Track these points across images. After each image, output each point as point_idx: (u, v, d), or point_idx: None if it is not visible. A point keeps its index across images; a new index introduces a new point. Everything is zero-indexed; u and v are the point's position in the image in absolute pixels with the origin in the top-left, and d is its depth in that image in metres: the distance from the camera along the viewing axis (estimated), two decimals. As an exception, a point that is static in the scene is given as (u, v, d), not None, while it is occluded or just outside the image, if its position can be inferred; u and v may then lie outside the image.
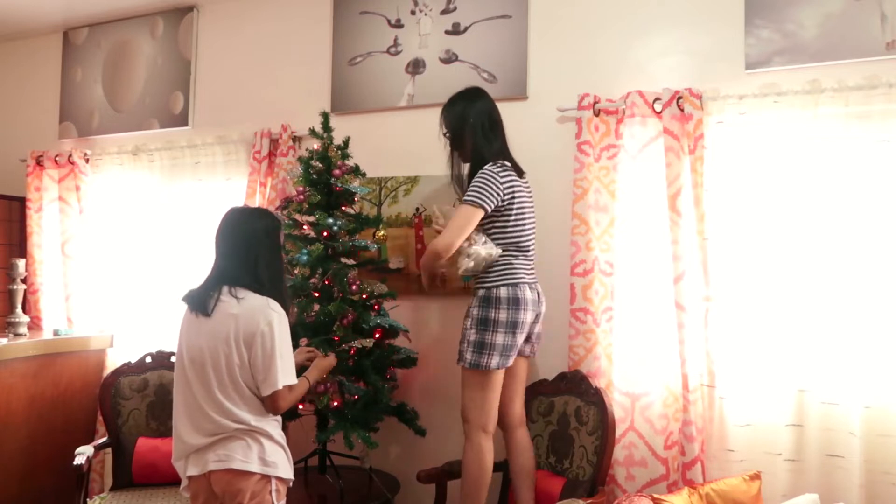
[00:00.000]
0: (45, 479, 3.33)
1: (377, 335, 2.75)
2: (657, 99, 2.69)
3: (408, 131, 3.22)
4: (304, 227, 2.74)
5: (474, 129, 2.51)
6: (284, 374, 2.07)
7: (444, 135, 2.61)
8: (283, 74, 3.51)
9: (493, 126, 2.55)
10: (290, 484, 2.17)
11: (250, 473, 2.04)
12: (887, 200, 2.41)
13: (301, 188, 2.78)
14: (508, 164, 2.49)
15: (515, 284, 2.43)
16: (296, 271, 2.75)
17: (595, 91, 2.80)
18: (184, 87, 3.75)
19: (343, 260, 2.77)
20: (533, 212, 2.57)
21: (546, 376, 2.82)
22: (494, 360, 2.40)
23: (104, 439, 3.12)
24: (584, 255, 2.74)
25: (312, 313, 2.66)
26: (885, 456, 2.35)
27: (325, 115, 2.90)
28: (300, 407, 2.71)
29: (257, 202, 3.38)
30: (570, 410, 2.68)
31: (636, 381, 2.71)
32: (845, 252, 2.43)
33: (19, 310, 3.51)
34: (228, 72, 3.66)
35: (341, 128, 3.10)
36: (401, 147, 3.21)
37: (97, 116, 3.98)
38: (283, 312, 2.11)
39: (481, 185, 2.39)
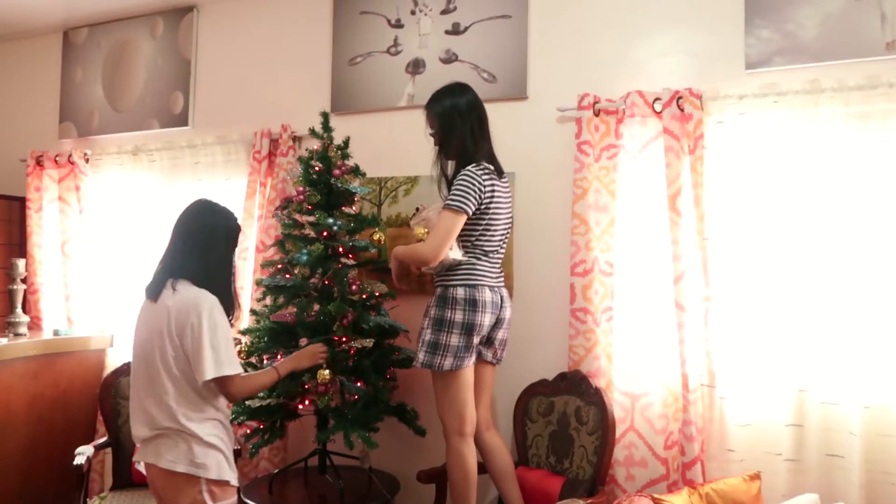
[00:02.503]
0: (45, 479, 3.33)
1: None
2: (657, 99, 2.69)
3: (408, 131, 3.21)
4: (305, 227, 2.74)
5: (464, 126, 2.48)
6: (218, 364, 2.03)
7: (431, 133, 2.58)
8: (283, 74, 3.51)
9: (482, 124, 2.53)
10: (233, 485, 2.13)
11: (177, 473, 2.04)
12: (887, 200, 2.41)
13: (301, 188, 2.78)
14: (490, 166, 2.47)
15: (474, 286, 2.42)
16: (296, 271, 2.75)
17: (595, 91, 2.80)
18: (184, 87, 3.75)
19: (343, 260, 2.77)
20: (509, 215, 2.56)
21: (546, 376, 2.82)
22: (448, 362, 2.39)
23: (104, 439, 3.12)
24: (584, 255, 2.74)
25: (312, 313, 2.66)
26: (885, 456, 2.35)
27: (325, 115, 2.90)
28: (300, 406, 2.71)
29: (257, 202, 3.38)
30: (570, 410, 2.68)
31: (636, 381, 2.71)
32: (845, 252, 2.43)
33: (19, 310, 3.51)
34: (228, 72, 3.66)
35: (341, 128, 3.10)
36: (401, 147, 3.21)
37: (97, 116, 3.98)
38: (215, 304, 2.09)
39: (463, 188, 2.37)
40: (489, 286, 2.45)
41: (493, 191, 2.42)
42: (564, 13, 2.96)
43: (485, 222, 2.44)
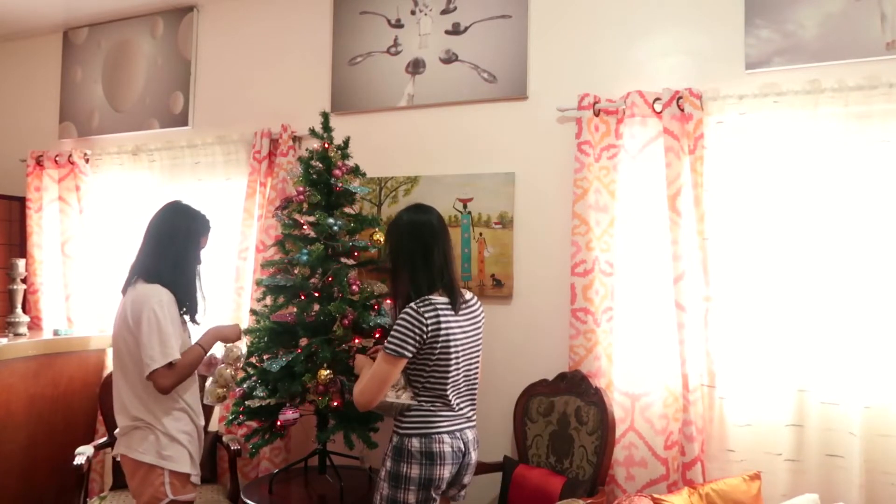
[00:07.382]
0: (45, 479, 3.33)
1: (377, 335, 2.75)
2: (657, 99, 2.69)
3: (408, 131, 3.22)
4: (304, 227, 2.74)
5: (406, 263, 2.20)
6: (151, 359, 2.15)
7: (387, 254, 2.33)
8: (283, 74, 3.51)
9: (427, 254, 2.18)
10: (193, 479, 2.28)
11: (144, 463, 2.20)
12: (887, 200, 2.41)
13: (301, 188, 2.78)
14: (439, 298, 2.15)
15: (429, 436, 2.13)
16: (296, 271, 2.75)
17: (595, 91, 2.80)
18: (184, 87, 3.75)
19: (343, 260, 2.77)
20: (471, 345, 2.22)
21: (546, 376, 2.82)
22: None
23: (104, 439, 3.12)
24: (585, 255, 2.74)
25: (312, 313, 2.66)
26: (885, 456, 2.35)
27: (325, 115, 2.90)
28: (298, 411, 2.70)
29: (257, 202, 3.38)
30: (570, 410, 2.69)
31: (636, 381, 2.71)
32: (845, 252, 2.43)
33: (19, 310, 3.51)
34: (228, 72, 3.66)
35: (341, 128, 3.10)
36: (401, 147, 3.21)
37: (97, 116, 3.98)
38: (163, 299, 2.21)
39: (402, 330, 2.09)
40: (448, 432, 2.16)
41: (438, 326, 2.10)
42: (564, 13, 2.96)
43: (433, 362, 2.13)
